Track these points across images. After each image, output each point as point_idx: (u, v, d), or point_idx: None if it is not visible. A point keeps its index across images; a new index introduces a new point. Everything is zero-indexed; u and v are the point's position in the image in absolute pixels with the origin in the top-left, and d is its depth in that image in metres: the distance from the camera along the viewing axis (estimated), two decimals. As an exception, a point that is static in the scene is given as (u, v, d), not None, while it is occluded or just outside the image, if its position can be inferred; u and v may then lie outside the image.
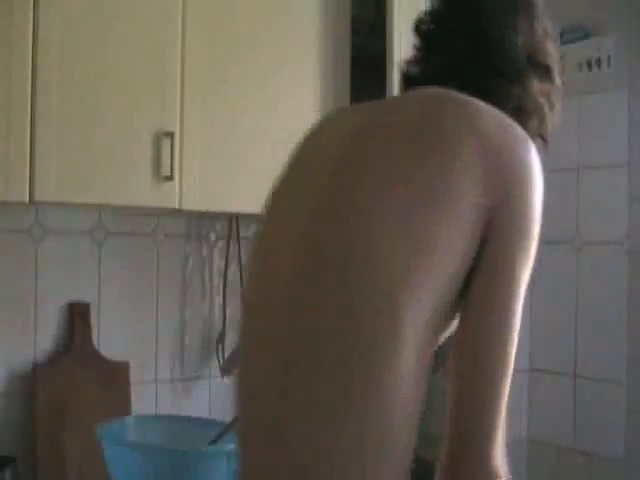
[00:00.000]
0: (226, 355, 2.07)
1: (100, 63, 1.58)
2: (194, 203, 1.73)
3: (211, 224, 2.13)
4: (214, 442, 1.62)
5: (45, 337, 1.83)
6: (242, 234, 2.15)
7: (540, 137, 1.14)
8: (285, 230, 1.00)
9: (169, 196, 1.69)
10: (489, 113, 0.99)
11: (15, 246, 1.80)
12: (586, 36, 2.20)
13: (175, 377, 2.05)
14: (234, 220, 2.11)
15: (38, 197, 1.51)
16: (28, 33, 1.49)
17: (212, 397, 2.11)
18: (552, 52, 1.13)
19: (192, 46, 1.71)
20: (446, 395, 1.72)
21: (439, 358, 2.47)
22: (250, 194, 1.81)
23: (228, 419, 1.69)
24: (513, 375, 1.68)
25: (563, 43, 2.25)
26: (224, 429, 1.65)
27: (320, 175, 0.99)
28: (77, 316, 1.85)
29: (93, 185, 1.59)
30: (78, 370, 1.83)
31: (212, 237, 2.13)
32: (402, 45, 2.01)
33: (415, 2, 2.09)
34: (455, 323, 1.00)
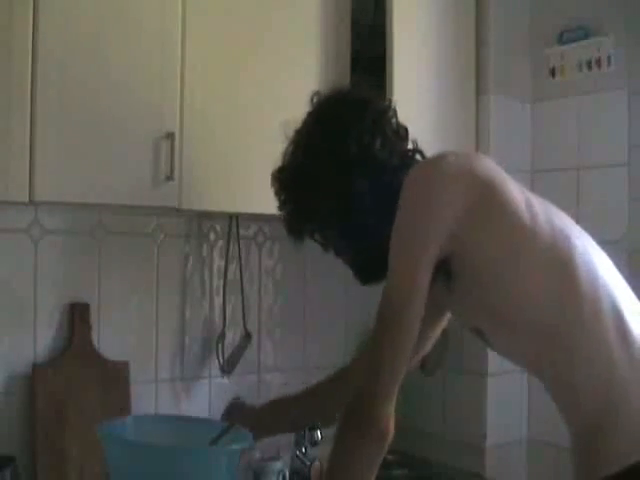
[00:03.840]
0: (226, 355, 2.08)
1: (100, 63, 1.58)
2: (194, 203, 1.73)
3: (211, 224, 2.13)
4: (214, 442, 1.62)
5: (45, 337, 1.83)
6: (242, 234, 2.15)
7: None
8: None
9: (169, 196, 1.69)
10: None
11: (15, 246, 1.80)
12: (586, 36, 2.20)
13: (175, 377, 2.05)
14: (234, 220, 2.11)
15: (38, 197, 1.51)
16: (28, 33, 1.49)
17: (212, 397, 2.11)
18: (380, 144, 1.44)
19: (192, 46, 1.71)
20: (443, 396, 1.90)
21: (434, 360, 2.47)
22: (250, 194, 1.82)
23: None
24: (513, 375, 1.68)
25: (563, 43, 2.26)
26: (224, 429, 1.65)
27: None
28: (77, 316, 1.85)
29: (93, 185, 1.59)
30: (78, 370, 1.83)
31: (212, 237, 2.13)
32: (402, 45, 2.01)
33: (415, 2, 2.10)
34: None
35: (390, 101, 1.52)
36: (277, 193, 1.49)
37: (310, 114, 1.50)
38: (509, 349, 1.46)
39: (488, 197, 1.33)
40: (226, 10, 1.77)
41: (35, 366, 1.79)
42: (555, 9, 2.31)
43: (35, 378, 1.77)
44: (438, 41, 2.15)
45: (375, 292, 2.64)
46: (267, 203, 1.84)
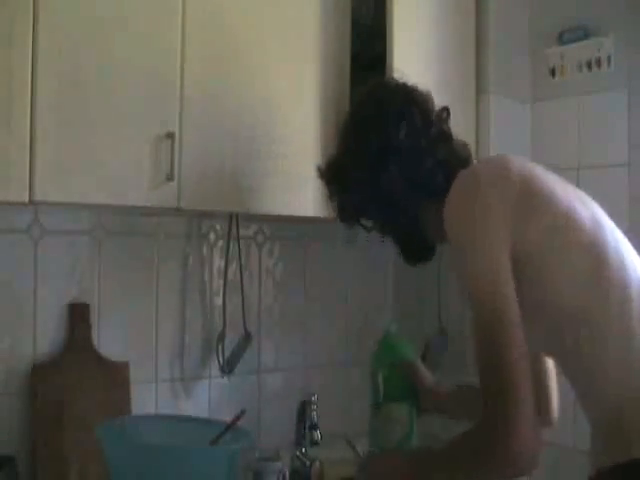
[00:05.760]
0: (226, 355, 2.08)
1: (100, 63, 1.58)
2: (194, 203, 1.73)
3: (211, 224, 2.13)
4: (214, 442, 1.63)
5: (45, 337, 1.83)
6: (242, 234, 2.15)
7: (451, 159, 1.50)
8: None
9: (169, 196, 1.69)
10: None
11: (15, 246, 1.80)
12: (586, 36, 2.20)
13: (175, 377, 2.05)
14: (234, 220, 2.11)
15: (38, 197, 1.51)
16: (28, 33, 1.49)
17: (212, 397, 2.11)
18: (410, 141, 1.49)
19: (192, 46, 1.71)
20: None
21: (434, 360, 2.46)
22: (250, 194, 1.82)
23: (228, 419, 1.69)
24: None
25: (563, 43, 2.26)
26: (224, 429, 1.65)
27: None
28: (77, 316, 1.86)
29: (93, 185, 1.59)
30: (78, 370, 1.83)
31: (212, 237, 2.13)
32: (402, 45, 2.01)
33: (415, 2, 2.09)
34: None
35: (415, 89, 1.57)
36: (325, 185, 1.60)
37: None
38: (531, 337, 1.47)
39: (526, 191, 1.35)
40: (226, 10, 1.77)
41: (35, 366, 1.79)
42: (555, 9, 2.31)
43: (35, 378, 1.77)
44: (438, 41, 2.15)
45: (374, 292, 2.64)
46: (267, 203, 1.85)
